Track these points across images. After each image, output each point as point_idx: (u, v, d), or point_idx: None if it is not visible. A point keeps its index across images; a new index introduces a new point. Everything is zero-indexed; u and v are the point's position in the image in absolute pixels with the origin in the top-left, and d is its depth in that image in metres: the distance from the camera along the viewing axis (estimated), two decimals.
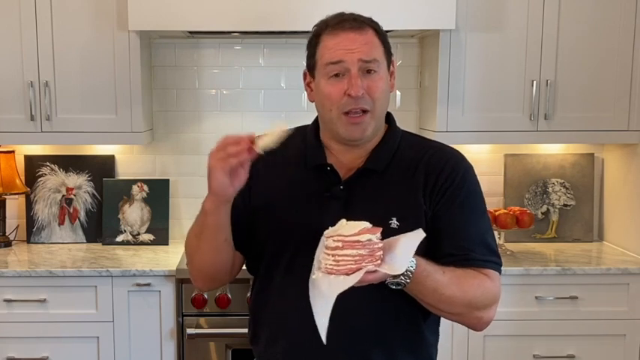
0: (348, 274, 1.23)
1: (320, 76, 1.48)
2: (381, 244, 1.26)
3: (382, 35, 1.50)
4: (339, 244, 1.23)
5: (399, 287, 1.35)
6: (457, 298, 1.42)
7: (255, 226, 1.56)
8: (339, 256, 1.23)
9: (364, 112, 1.45)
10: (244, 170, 1.39)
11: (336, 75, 1.46)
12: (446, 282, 1.39)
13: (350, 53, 1.43)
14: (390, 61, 1.52)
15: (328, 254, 1.25)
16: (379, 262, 1.25)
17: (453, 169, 1.51)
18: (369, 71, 1.45)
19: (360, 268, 1.23)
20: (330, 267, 1.24)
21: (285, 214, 1.52)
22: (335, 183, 1.52)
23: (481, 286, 1.46)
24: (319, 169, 1.53)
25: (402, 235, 1.31)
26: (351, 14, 1.49)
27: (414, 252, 1.28)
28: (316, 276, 1.27)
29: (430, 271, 1.36)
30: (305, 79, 1.56)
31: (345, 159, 1.54)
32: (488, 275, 1.48)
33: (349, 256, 1.23)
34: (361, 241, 1.23)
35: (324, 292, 1.25)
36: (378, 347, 1.49)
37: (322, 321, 1.26)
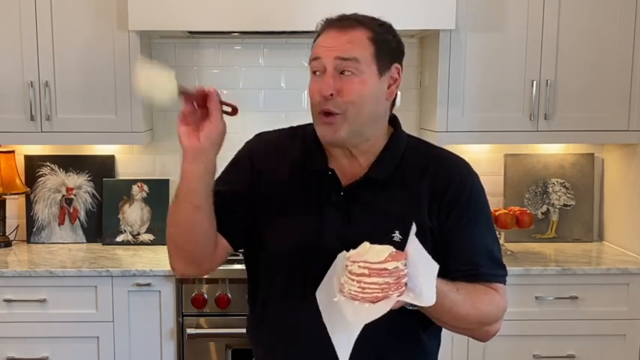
0: (373, 302, 1.20)
1: (310, 73, 1.46)
2: (405, 271, 1.23)
3: (378, 37, 1.42)
4: (366, 271, 1.19)
5: (415, 308, 1.31)
6: (471, 315, 1.40)
7: (254, 223, 1.51)
8: (365, 283, 1.20)
9: (334, 114, 1.39)
10: (211, 121, 1.44)
11: (316, 73, 1.42)
12: (460, 300, 1.36)
13: (327, 50, 1.39)
14: (386, 65, 1.43)
15: (353, 280, 1.21)
16: (403, 288, 1.22)
17: (460, 184, 1.47)
18: (342, 72, 1.39)
19: (387, 297, 1.20)
20: (355, 293, 1.21)
21: (283, 219, 1.48)
22: (335, 190, 1.47)
23: (492, 303, 1.45)
24: (320, 174, 1.48)
25: (414, 253, 1.26)
26: (354, 14, 1.45)
27: (435, 281, 1.25)
28: (338, 299, 1.24)
29: (446, 291, 1.32)
30: None
31: (346, 164, 1.49)
32: (497, 290, 1.47)
33: (376, 284, 1.19)
34: (388, 269, 1.19)
35: (349, 319, 1.21)
36: (374, 356, 1.46)
37: (344, 348, 1.23)
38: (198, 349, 2.64)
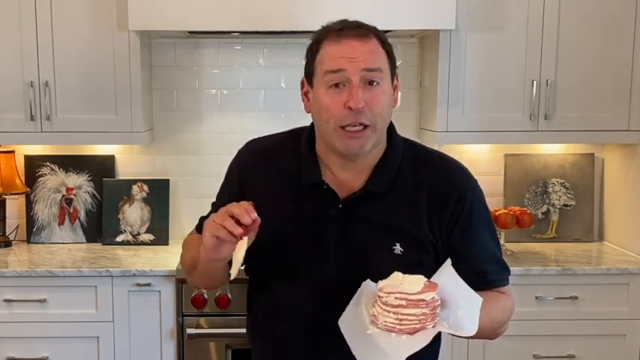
0: (410, 334, 1.20)
1: (319, 85, 1.39)
2: (439, 301, 1.22)
3: (387, 46, 1.41)
4: (403, 303, 1.18)
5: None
6: (487, 327, 1.40)
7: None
8: (401, 314, 1.19)
9: (365, 127, 1.36)
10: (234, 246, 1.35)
11: (336, 85, 1.36)
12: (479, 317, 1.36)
13: (352, 62, 1.34)
14: (394, 73, 1.43)
15: (389, 311, 1.19)
16: (438, 319, 1.22)
17: (460, 196, 1.44)
18: (370, 83, 1.36)
19: (424, 327, 1.20)
20: (392, 325, 1.20)
21: (279, 235, 1.44)
22: (332, 203, 1.43)
23: (505, 308, 1.47)
24: (314, 188, 1.44)
25: (449, 284, 1.25)
26: (355, 21, 1.41)
27: (479, 315, 1.24)
28: (372, 331, 1.22)
29: None
30: (302, 87, 1.47)
31: (342, 177, 1.45)
32: (506, 293, 1.49)
33: (413, 316, 1.19)
34: (426, 300, 1.19)
35: (388, 352, 1.19)
36: None
37: None
38: (198, 349, 2.64)
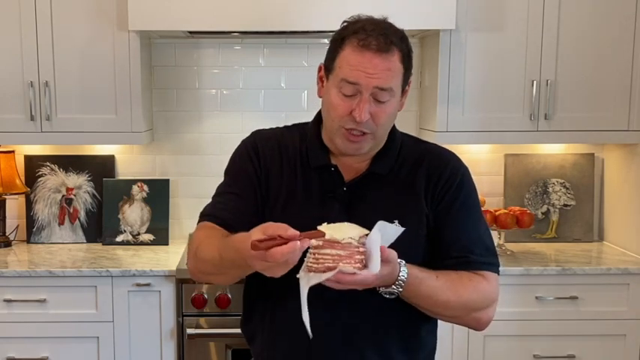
0: (323, 272, 1.26)
1: (333, 83, 1.44)
2: (362, 249, 1.28)
3: (406, 57, 1.45)
4: (320, 243, 1.26)
5: (393, 296, 1.39)
6: (452, 301, 1.44)
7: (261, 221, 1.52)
8: (319, 254, 1.27)
9: (364, 133, 1.44)
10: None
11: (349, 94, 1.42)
12: (439, 287, 1.41)
13: (368, 77, 1.39)
14: (407, 82, 1.49)
15: (312, 253, 1.28)
16: (359, 265, 1.27)
17: (452, 173, 1.53)
18: (378, 99, 1.42)
19: (336, 267, 1.25)
20: (310, 264, 1.28)
21: (285, 214, 1.49)
22: (338, 185, 1.51)
23: (477, 289, 1.47)
24: (322, 170, 1.53)
25: (375, 235, 1.29)
26: (383, 28, 1.43)
27: (379, 252, 1.28)
28: (299, 274, 1.29)
29: (423, 277, 1.39)
30: (319, 71, 1.52)
31: (347, 161, 1.53)
32: (484, 277, 1.49)
33: (328, 255, 1.26)
34: (340, 242, 1.26)
35: (301, 287, 1.27)
36: (373, 347, 1.49)
37: (304, 315, 1.29)
38: (198, 349, 2.64)
